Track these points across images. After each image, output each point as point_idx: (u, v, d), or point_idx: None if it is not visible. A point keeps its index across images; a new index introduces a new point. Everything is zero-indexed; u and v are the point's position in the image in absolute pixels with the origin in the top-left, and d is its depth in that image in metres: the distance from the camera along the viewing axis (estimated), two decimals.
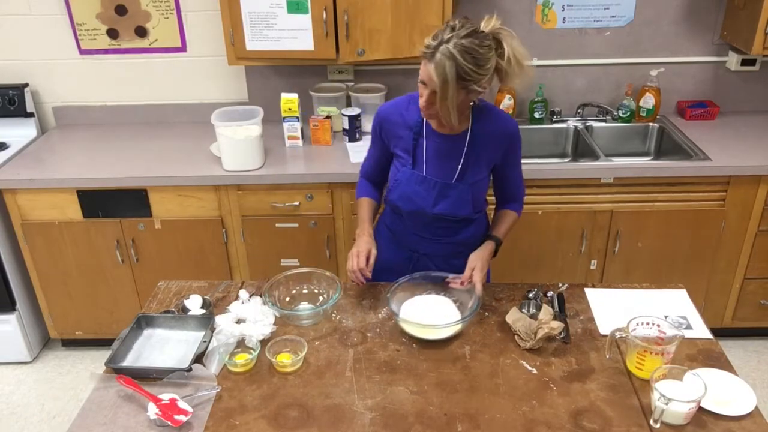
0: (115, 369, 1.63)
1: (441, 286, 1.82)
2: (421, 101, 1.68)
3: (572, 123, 3.08)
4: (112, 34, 3.02)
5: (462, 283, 1.80)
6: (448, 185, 1.83)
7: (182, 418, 1.46)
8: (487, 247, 1.90)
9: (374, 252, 1.85)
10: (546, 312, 1.69)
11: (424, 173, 1.83)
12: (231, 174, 2.65)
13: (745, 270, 2.86)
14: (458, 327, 1.70)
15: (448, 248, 1.96)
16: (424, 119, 1.81)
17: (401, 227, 1.97)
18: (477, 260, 1.83)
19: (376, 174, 2.03)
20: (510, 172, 1.93)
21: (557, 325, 1.65)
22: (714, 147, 2.77)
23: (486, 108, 1.83)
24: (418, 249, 1.98)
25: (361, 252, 1.83)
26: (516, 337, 1.70)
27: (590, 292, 1.91)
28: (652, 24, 2.98)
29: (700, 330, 1.75)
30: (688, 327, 1.76)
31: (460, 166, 1.82)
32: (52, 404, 2.83)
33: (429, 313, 1.74)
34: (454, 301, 1.79)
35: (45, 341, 3.19)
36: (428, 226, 1.91)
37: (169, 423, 1.45)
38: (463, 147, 1.82)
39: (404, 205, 1.88)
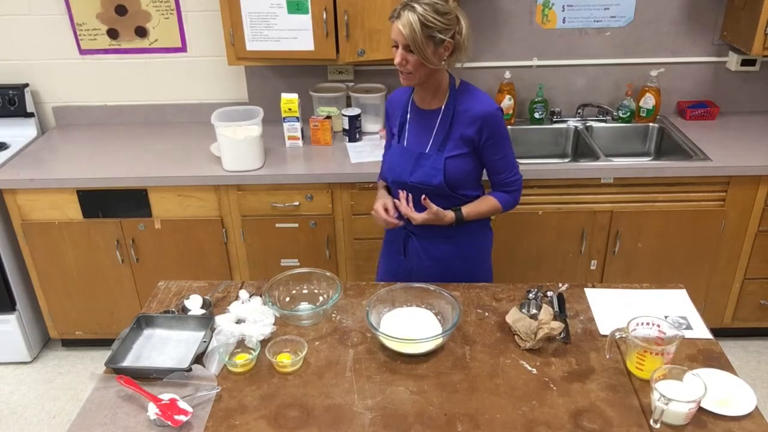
0: (115, 369, 1.63)
1: (422, 299, 1.80)
2: (396, 60, 1.80)
3: (572, 123, 3.08)
4: (112, 34, 3.03)
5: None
6: (422, 154, 1.94)
7: (182, 418, 1.46)
8: (448, 212, 1.95)
9: (388, 202, 2.02)
10: (546, 312, 1.69)
11: (405, 144, 1.99)
12: (231, 174, 2.65)
13: (745, 270, 2.86)
14: (439, 341, 1.67)
15: (432, 229, 1.99)
16: (410, 98, 1.98)
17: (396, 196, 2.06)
18: (435, 210, 1.91)
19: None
20: (491, 156, 1.94)
21: (557, 325, 1.65)
22: (714, 147, 2.77)
23: (468, 89, 1.92)
24: (407, 224, 2.04)
25: (379, 207, 2.00)
26: (516, 337, 1.70)
27: (590, 292, 1.91)
28: (652, 24, 2.98)
29: (700, 330, 1.75)
30: (688, 327, 1.76)
31: (432, 137, 1.93)
32: (52, 404, 2.83)
33: (410, 326, 1.71)
34: (435, 314, 1.77)
35: (45, 341, 3.19)
36: (411, 197, 1.98)
37: (169, 423, 1.45)
38: (437, 120, 1.93)
39: (389, 175, 2.03)
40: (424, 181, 1.93)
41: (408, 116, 1.99)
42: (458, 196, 1.96)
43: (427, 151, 1.94)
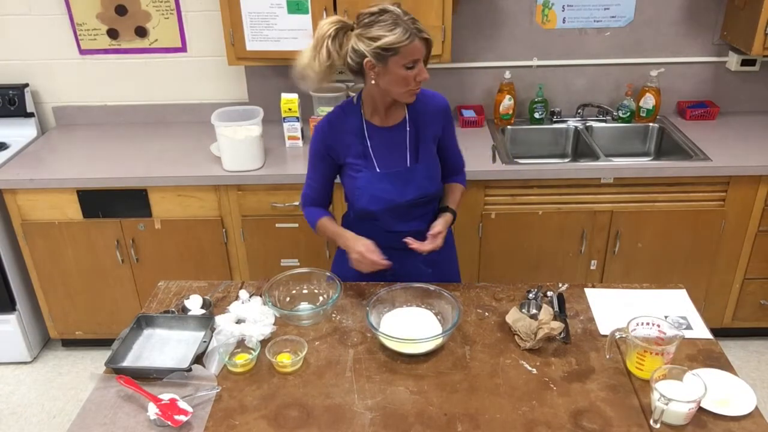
0: (115, 369, 1.63)
1: (422, 299, 1.79)
2: (422, 76, 1.72)
3: (572, 123, 3.08)
4: (112, 34, 3.03)
5: (426, 238, 1.85)
6: (408, 170, 1.87)
7: (182, 418, 1.46)
8: (446, 217, 1.93)
9: (369, 243, 1.84)
10: (546, 312, 1.69)
11: (378, 169, 1.86)
12: (231, 174, 2.65)
13: (745, 270, 2.86)
14: (439, 341, 1.66)
15: (421, 230, 1.92)
16: (362, 123, 1.84)
17: (371, 232, 1.89)
18: (440, 223, 1.88)
19: (322, 197, 1.99)
20: (449, 144, 1.97)
21: (557, 325, 1.65)
22: (714, 147, 2.77)
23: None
24: (395, 246, 1.88)
25: (366, 251, 1.81)
26: (516, 337, 1.70)
27: (590, 292, 1.91)
28: (652, 24, 2.99)
29: (700, 330, 1.75)
30: (688, 327, 1.76)
31: (408, 150, 1.88)
32: (52, 404, 2.83)
33: (410, 326, 1.71)
34: (435, 314, 1.77)
35: (45, 341, 3.19)
36: (404, 216, 1.90)
37: (169, 423, 1.45)
38: (405, 132, 1.87)
39: (376, 206, 1.87)
40: (421, 195, 1.88)
41: (369, 141, 1.85)
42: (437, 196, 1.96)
43: (408, 165, 1.87)
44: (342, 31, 1.71)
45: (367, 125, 1.86)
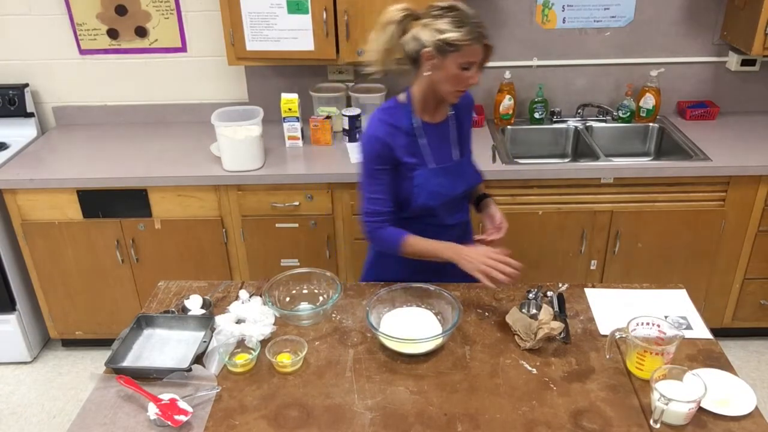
0: (115, 369, 1.63)
1: (422, 299, 1.80)
2: (473, 80, 1.74)
3: (572, 123, 3.08)
4: (112, 34, 3.03)
5: (498, 229, 1.91)
6: (456, 164, 1.91)
7: (182, 418, 1.46)
8: (495, 204, 2.01)
9: (491, 251, 1.78)
10: (546, 312, 1.69)
11: (434, 165, 1.86)
12: (231, 174, 2.65)
13: (745, 270, 2.87)
14: (439, 341, 1.66)
15: (464, 227, 2.03)
16: (414, 118, 1.84)
17: (419, 231, 1.89)
18: (498, 211, 1.97)
19: (391, 209, 1.87)
20: (469, 136, 2.01)
21: (557, 325, 1.65)
22: (714, 147, 2.77)
23: None
24: (444, 239, 1.88)
25: (489, 251, 1.74)
26: (516, 337, 1.70)
27: (590, 292, 1.91)
28: (652, 24, 2.99)
29: (700, 330, 1.75)
30: (688, 327, 1.76)
31: (452, 144, 1.91)
32: (52, 404, 2.83)
33: (410, 326, 1.71)
34: (435, 314, 1.76)
35: (45, 341, 3.19)
36: (453, 209, 1.96)
37: (169, 423, 1.45)
38: (449, 127, 1.91)
39: (434, 201, 1.87)
40: (469, 187, 1.96)
41: (422, 139, 1.85)
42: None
43: (455, 159, 1.91)
44: (408, 18, 1.73)
45: (419, 122, 1.85)
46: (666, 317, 1.74)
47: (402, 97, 1.86)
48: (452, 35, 1.65)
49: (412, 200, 1.85)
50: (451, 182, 1.89)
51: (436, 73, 1.73)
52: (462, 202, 1.99)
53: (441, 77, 1.73)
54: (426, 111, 1.86)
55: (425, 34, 1.68)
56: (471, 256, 1.74)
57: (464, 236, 2.00)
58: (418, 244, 1.84)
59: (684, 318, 1.79)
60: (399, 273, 1.92)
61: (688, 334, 1.72)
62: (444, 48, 1.67)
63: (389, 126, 1.81)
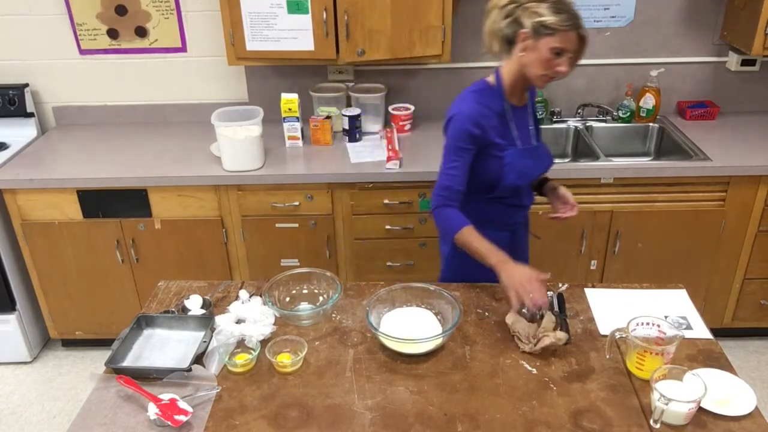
0: (115, 369, 1.63)
1: (422, 299, 1.80)
2: (562, 68, 1.78)
3: (572, 123, 3.08)
4: (112, 34, 3.03)
5: (572, 207, 2.01)
6: (536, 147, 1.99)
7: (182, 418, 1.46)
8: (559, 184, 2.08)
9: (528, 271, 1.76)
10: (549, 320, 1.68)
11: (522, 146, 1.94)
12: (231, 174, 2.65)
13: (745, 270, 2.87)
14: (439, 341, 1.66)
15: (529, 209, 2.12)
16: (502, 105, 1.90)
17: (499, 211, 2.01)
18: (565, 189, 2.06)
19: (461, 192, 1.89)
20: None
21: (563, 335, 1.63)
22: (714, 147, 2.77)
23: None
24: (517, 220, 2.07)
25: (533, 275, 1.71)
26: (515, 338, 1.70)
27: (590, 292, 1.91)
28: (652, 24, 2.99)
29: (700, 330, 1.75)
30: (688, 327, 1.76)
31: (531, 129, 2.00)
32: (52, 404, 2.83)
33: (410, 326, 1.71)
34: (435, 314, 1.77)
35: (45, 341, 3.19)
36: (528, 190, 2.07)
37: (169, 423, 1.45)
38: (528, 112, 1.99)
39: (522, 181, 1.95)
40: (546, 169, 2.04)
41: (511, 121, 1.93)
42: None
43: (535, 142, 2.00)
44: (513, 5, 1.79)
45: (508, 104, 1.92)
46: (666, 317, 1.74)
47: (491, 79, 1.92)
48: (550, 18, 1.72)
49: (503, 179, 1.91)
50: (534, 163, 1.97)
51: (528, 55, 1.79)
52: (532, 185, 2.09)
53: (532, 59, 1.79)
54: (513, 94, 1.92)
55: (524, 16, 1.76)
56: (514, 274, 1.72)
57: (527, 218, 2.14)
58: (473, 238, 1.83)
59: (684, 318, 1.79)
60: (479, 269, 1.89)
61: (688, 334, 1.72)
62: (540, 30, 1.74)
63: (484, 107, 1.87)
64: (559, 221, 2.01)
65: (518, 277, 1.70)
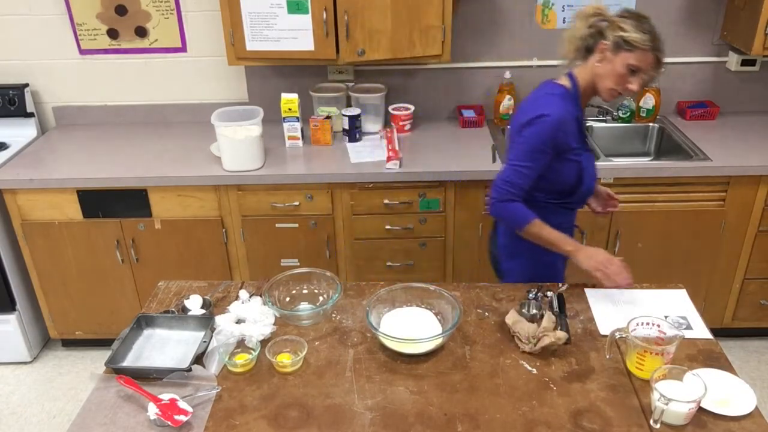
0: (115, 369, 1.63)
1: (422, 299, 1.80)
2: (634, 87, 1.83)
3: None
4: (112, 34, 3.03)
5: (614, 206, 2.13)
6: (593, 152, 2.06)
7: (182, 418, 1.46)
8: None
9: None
10: (549, 320, 1.68)
11: (589, 153, 2.00)
12: (231, 174, 2.65)
13: (745, 270, 2.86)
14: (439, 341, 1.67)
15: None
16: (577, 112, 1.93)
17: (564, 216, 2.04)
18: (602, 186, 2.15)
19: (527, 190, 1.92)
20: None
21: (563, 335, 1.64)
22: (714, 147, 2.77)
23: None
24: (573, 224, 2.12)
25: (611, 257, 1.85)
26: (515, 338, 1.70)
27: (590, 292, 1.91)
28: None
29: (700, 330, 1.75)
30: (688, 327, 1.76)
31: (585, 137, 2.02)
32: (52, 404, 2.83)
33: (410, 326, 1.71)
34: (435, 314, 1.77)
35: (45, 341, 3.19)
36: None
37: (169, 423, 1.45)
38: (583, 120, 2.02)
39: (592, 183, 2.01)
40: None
41: (582, 125, 1.98)
42: None
43: (588, 149, 2.03)
44: (597, 18, 1.85)
45: (581, 111, 1.96)
46: (666, 317, 1.74)
47: (565, 82, 1.93)
48: (632, 35, 1.77)
49: (582, 183, 1.95)
50: (594, 170, 2.02)
51: (603, 66, 1.84)
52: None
53: (607, 71, 1.83)
54: (584, 100, 1.96)
55: (608, 29, 1.82)
56: (593, 255, 1.86)
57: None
58: (544, 229, 1.90)
59: (684, 318, 1.79)
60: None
61: (688, 334, 1.72)
62: (620, 45, 1.79)
63: (567, 113, 1.88)
64: (604, 214, 2.17)
65: (600, 258, 1.84)
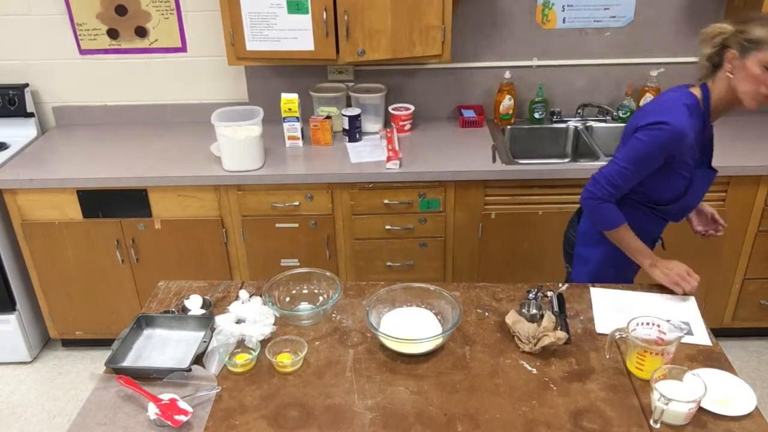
0: (115, 369, 1.63)
1: (422, 299, 1.80)
2: None
3: (572, 123, 3.08)
4: (112, 34, 3.03)
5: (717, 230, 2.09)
6: (713, 173, 2.00)
7: (182, 418, 1.46)
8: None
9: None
10: (549, 319, 1.68)
11: (706, 168, 1.97)
12: (231, 174, 2.65)
13: (745, 270, 2.86)
14: (439, 341, 1.67)
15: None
16: (706, 122, 1.87)
17: (655, 225, 2.04)
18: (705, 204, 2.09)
19: (626, 192, 1.93)
20: None
21: (563, 335, 1.64)
22: (714, 147, 2.76)
23: None
24: (661, 234, 2.11)
25: (684, 268, 1.89)
26: (515, 338, 1.70)
27: (591, 292, 1.91)
28: (652, 24, 2.98)
29: (701, 337, 1.72)
30: (690, 333, 1.74)
31: (710, 152, 1.98)
32: (52, 404, 2.83)
33: (410, 326, 1.71)
34: (435, 314, 1.77)
35: (45, 341, 3.19)
36: None
37: (169, 423, 1.45)
38: (712, 135, 1.97)
39: (696, 203, 1.99)
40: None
41: (706, 142, 1.95)
42: None
43: (709, 167, 2.00)
44: (720, 36, 1.78)
45: (709, 126, 1.90)
46: (668, 321, 1.74)
47: (698, 93, 1.85)
48: (758, 33, 1.70)
49: (685, 198, 1.92)
50: (706, 187, 1.98)
51: (737, 74, 1.76)
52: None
53: (741, 78, 1.75)
54: (715, 115, 1.88)
55: (731, 40, 1.75)
56: (671, 268, 1.89)
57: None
58: (629, 235, 1.93)
59: (686, 323, 1.77)
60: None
61: (688, 339, 1.70)
62: (746, 47, 1.72)
63: (691, 127, 1.80)
64: (707, 237, 2.11)
65: (677, 270, 1.88)
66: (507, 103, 3.02)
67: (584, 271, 2.11)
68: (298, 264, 2.82)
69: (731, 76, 1.77)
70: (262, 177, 2.65)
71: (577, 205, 2.72)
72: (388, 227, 2.76)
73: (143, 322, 1.79)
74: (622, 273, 2.06)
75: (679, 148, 1.81)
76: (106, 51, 3.07)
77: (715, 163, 2.63)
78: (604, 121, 3.09)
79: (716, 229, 2.10)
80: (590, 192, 1.90)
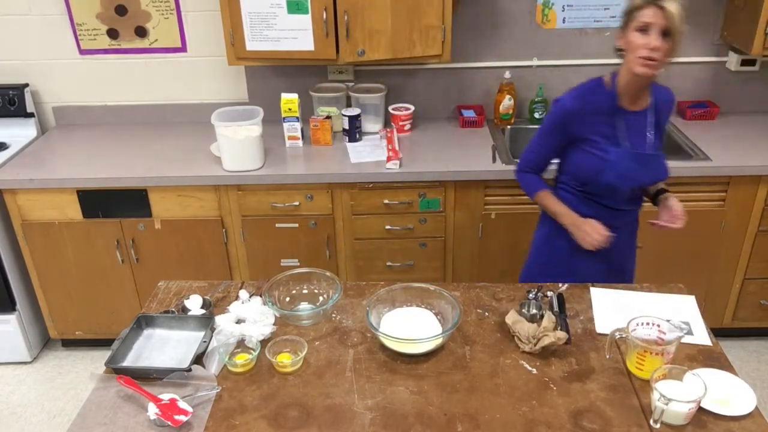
0: (115, 369, 1.63)
1: (422, 299, 1.80)
2: (653, 44, 1.79)
3: None
4: (112, 34, 3.03)
5: (676, 218, 2.01)
6: (651, 155, 1.98)
7: (182, 418, 1.46)
8: (673, 196, 2.06)
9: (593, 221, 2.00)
10: (548, 319, 1.68)
11: (630, 149, 1.95)
12: (231, 174, 2.65)
13: (745, 270, 2.86)
14: (439, 341, 1.67)
15: (634, 216, 2.15)
16: (615, 103, 1.93)
17: (594, 210, 2.04)
18: (677, 201, 2.04)
19: (541, 165, 2.10)
20: (663, 132, 2.09)
21: (563, 335, 1.64)
22: (714, 147, 2.77)
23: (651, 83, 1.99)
24: (615, 224, 2.05)
25: (601, 230, 1.96)
26: (515, 338, 1.70)
27: (591, 292, 1.91)
28: None
29: (701, 337, 1.73)
30: (690, 333, 1.74)
31: (648, 136, 1.98)
32: (52, 404, 2.83)
33: (410, 326, 1.71)
34: (435, 314, 1.77)
35: (45, 341, 3.19)
36: (631, 197, 2.05)
37: (169, 423, 1.45)
38: (646, 118, 1.99)
39: (622, 184, 1.97)
40: (655, 179, 2.04)
41: (620, 122, 1.95)
42: None
43: (647, 151, 1.98)
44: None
45: (617, 106, 1.94)
46: (668, 321, 1.74)
47: (608, 79, 1.96)
48: (629, 4, 1.81)
49: (601, 177, 1.95)
50: (640, 170, 1.97)
51: (626, 50, 1.85)
52: (639, 193, 2.09)
53: (627, 49, 1.84)
54: (626, 96, 1.94)
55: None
56: (581, 225, 1.98)
57: (632, 225, 2.17)
58: (548, 200, 2.07)
59: (687, 323, 1.78)
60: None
61: (688, 339, 1.70)
62: (625, 22, 1.84)
63: (585, 103, 1.93)
64: (656, 228, 2.03)
65: (584, 227, 1.97)
66: (507, 103, 3.02)
67: (530, 251, 2.27)
68: (298, 264, 2.82)
69: (623, 53, 1.87)
70: (262, 177, 2.65)
71: None
72: (388, 227, 2.76)
73: (143, 322, 1.79)
74: (555, 250, 2.14)
75: (575, 125, 1.94)
76: (106, 51, 3.07)
77: (715, 162, 2.65)
78: None
79: (673, 222, 2.03)
80: (516, 169, 2.15)
